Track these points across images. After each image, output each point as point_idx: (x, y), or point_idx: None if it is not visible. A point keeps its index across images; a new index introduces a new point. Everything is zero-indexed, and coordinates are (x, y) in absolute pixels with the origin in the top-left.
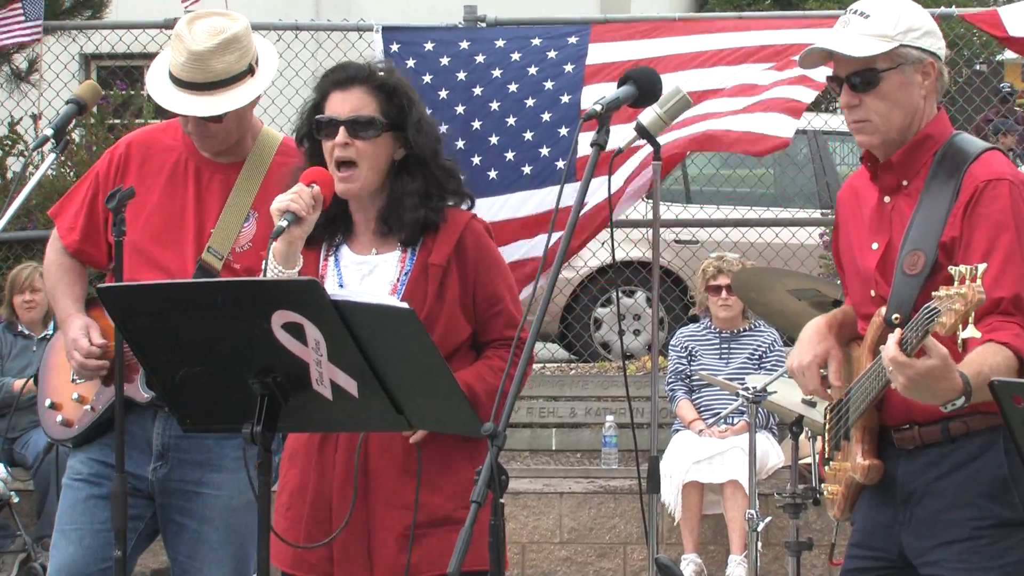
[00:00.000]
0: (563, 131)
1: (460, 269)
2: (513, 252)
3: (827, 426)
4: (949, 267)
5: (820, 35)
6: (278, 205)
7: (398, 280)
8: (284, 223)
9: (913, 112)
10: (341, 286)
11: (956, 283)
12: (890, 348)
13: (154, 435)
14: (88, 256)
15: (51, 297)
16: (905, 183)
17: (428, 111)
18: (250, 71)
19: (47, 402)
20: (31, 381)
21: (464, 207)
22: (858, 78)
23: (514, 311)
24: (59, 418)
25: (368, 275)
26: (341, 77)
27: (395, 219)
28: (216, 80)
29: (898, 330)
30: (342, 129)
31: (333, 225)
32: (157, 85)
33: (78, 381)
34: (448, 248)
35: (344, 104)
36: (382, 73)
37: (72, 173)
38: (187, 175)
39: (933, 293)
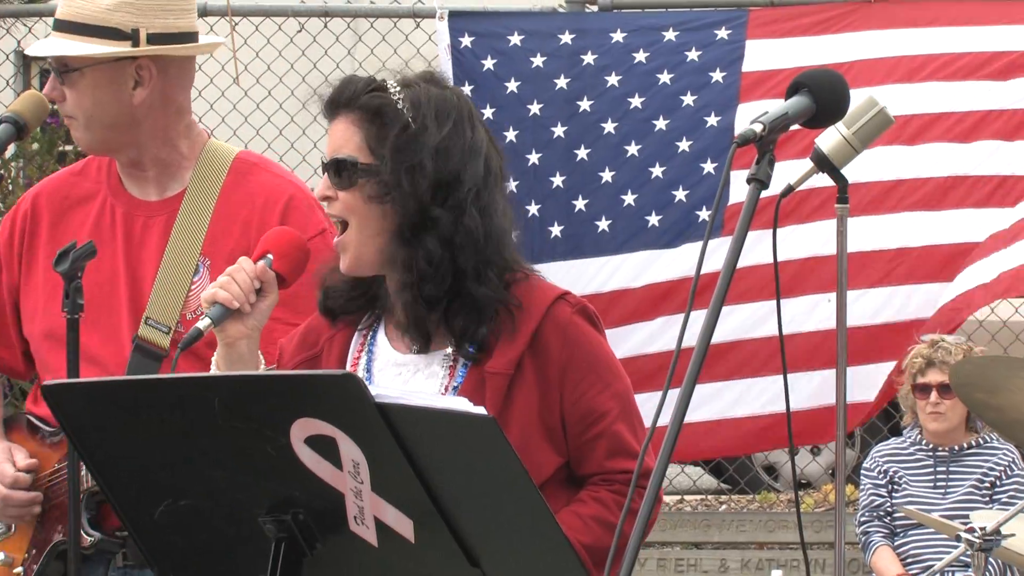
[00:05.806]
0: (708, 166)
1: (539, 375)
2: (621, 341)
3: None
4: None
5: None
6: (204, 294)
7: (443, 394)
8: (202, 325)
9: None
10: None
11: None
12: None
13: None
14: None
15: None
16: None
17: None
18: (129, 38)
19: None
20: None
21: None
22: None
23: (624, 432)
24: None
25: (407, 384)
26: (327, 102)
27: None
28: (75, 21)
29: None
30: (325, 176)
31: (364, 292)
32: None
33: None
34: (517, 349)
35: (330, 140)
36: (387, 91)
37: None
38: (115, 225)
39: None
